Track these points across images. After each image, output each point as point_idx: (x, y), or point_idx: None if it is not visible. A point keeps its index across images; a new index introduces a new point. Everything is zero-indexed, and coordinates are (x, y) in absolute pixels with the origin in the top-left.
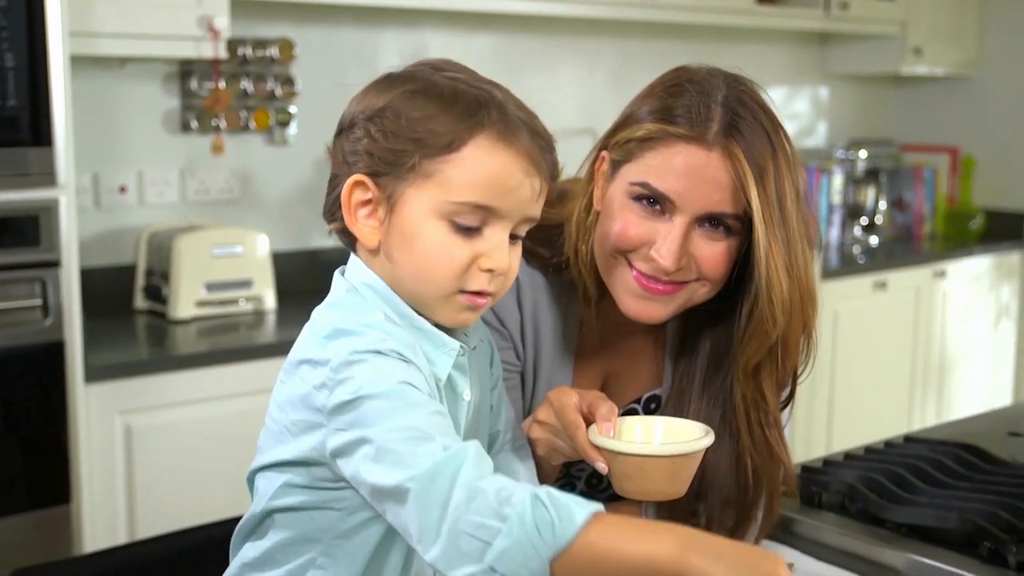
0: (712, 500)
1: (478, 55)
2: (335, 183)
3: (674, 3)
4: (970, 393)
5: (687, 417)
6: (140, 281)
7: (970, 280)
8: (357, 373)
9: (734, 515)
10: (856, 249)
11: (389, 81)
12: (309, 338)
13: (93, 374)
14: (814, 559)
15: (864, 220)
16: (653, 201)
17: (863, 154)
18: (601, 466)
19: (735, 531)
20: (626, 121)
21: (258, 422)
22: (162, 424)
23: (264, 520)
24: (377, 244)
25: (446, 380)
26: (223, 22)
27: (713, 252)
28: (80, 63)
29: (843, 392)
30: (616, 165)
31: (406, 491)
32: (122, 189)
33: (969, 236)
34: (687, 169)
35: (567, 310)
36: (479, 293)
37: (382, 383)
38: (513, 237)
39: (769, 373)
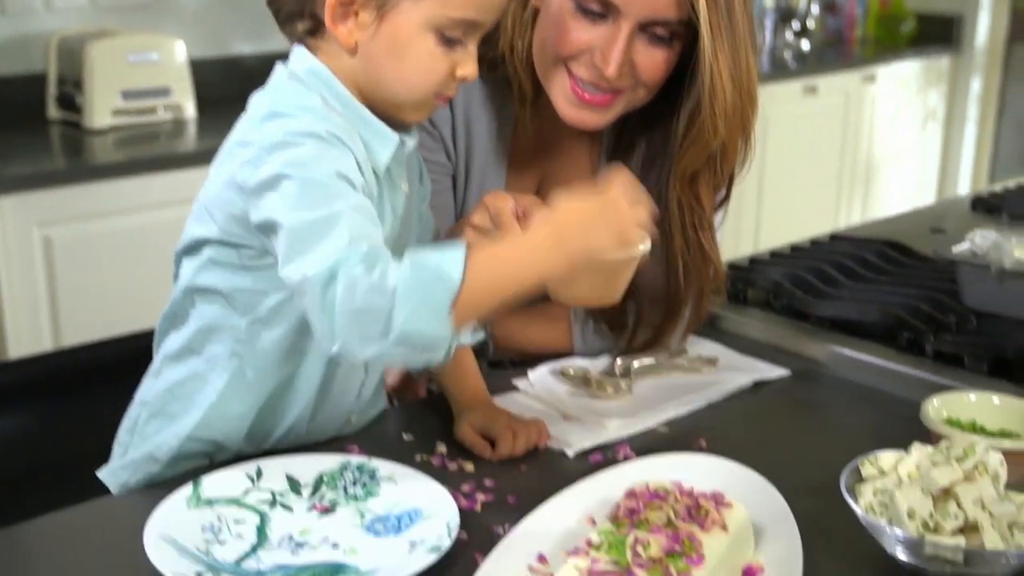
0: (641, 299)
1: None
2: None
3: None
4: (896, 194)
5: None
6: (52, 90)
7: (899, 84)
8: (290, 154)
9: (662, 313)
10: (787, 54)
11: None
12: (245, 122)
13: (7, 185)
14: (739, 353)
15: (796, 24)
16: (596, 11)
17: None
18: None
19: (662, 327)
20: None
21: (180, 233)
22: (82, 236)
23: (184, 303)
24: (354, 44)
25: (385, 171)
26: None
27: (654, 59)
28: None
29: (772, 194)
30: None
31: (303, 291)
32: None
33: (900, 40)
34: None
35: (501, 109)
36: (448, 97)
37: (314, 169)
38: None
39: (706, 179)
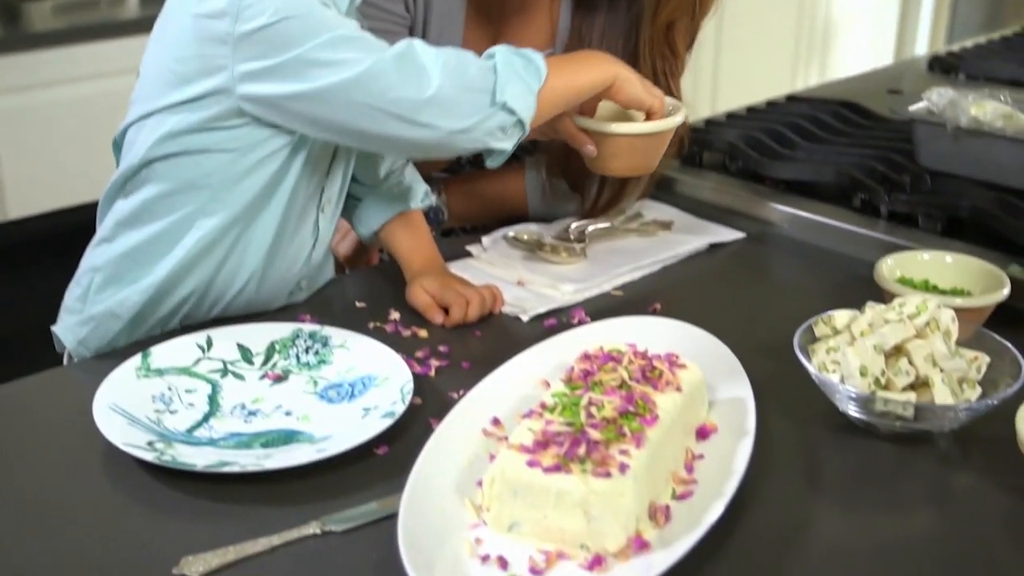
0: None
1: None
2: None
3: None
4: (853, 55)
5: None
6: None
7: None
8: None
9: None
10: None
11: None
12: None
13: None
14: (694, 216)
15: None
16: None
17: None
18: (590, 149)
19: (625, 183)
20: None
21: (124, 102)
22: (21, 107)
23: (140, 173)
24: None
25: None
26: None
27: None
28: None
29: (729, 56)
30: None
31: (376, 73)
32: None
33: None
34: None
35: None
36: None
37: (299, 5)
38: None
39: (683, 27)
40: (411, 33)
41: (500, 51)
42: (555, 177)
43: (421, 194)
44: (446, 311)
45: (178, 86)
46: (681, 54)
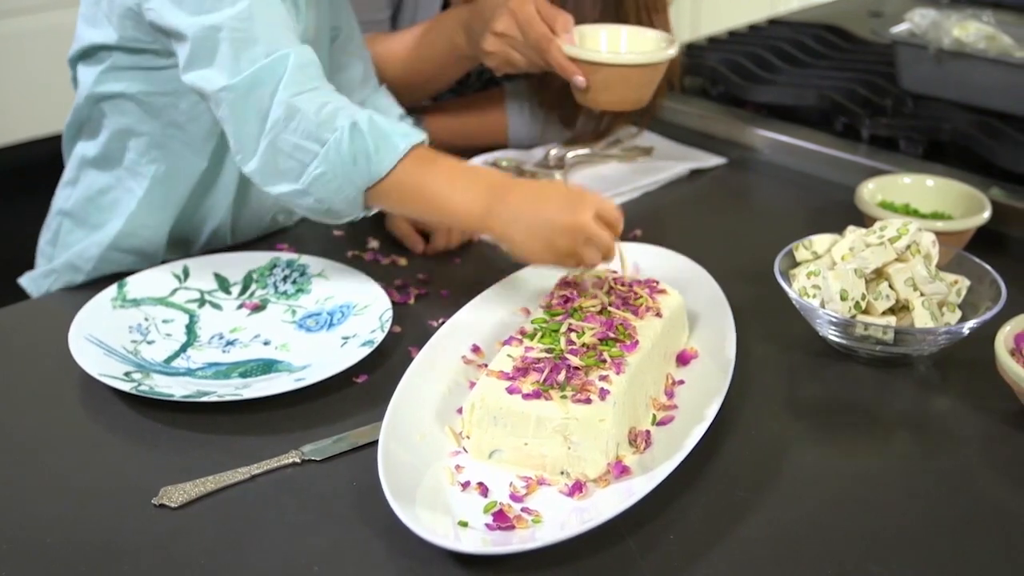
0: None
1: None
2: None
3: None
4: None
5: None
6: None
7: None
8: None
9: None
10: None
11: None
12: None
13: None
14: (674, 142)
15: None
16: None
17: None
18: (579, 79)
19: (616, 115)
20: None
21: (70, 36)
22: None
23: (92, 111)
24: None
25: None
26: None
27: None
28: None
29: None
30: None
31: (220, 100)
32: None
33: None
34: None
35: None
36: None
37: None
38: None
39: None
40: None
41: (361, 119)
42: (543, 107)
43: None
44: (426, 238)
45: (105, 27)
46: None
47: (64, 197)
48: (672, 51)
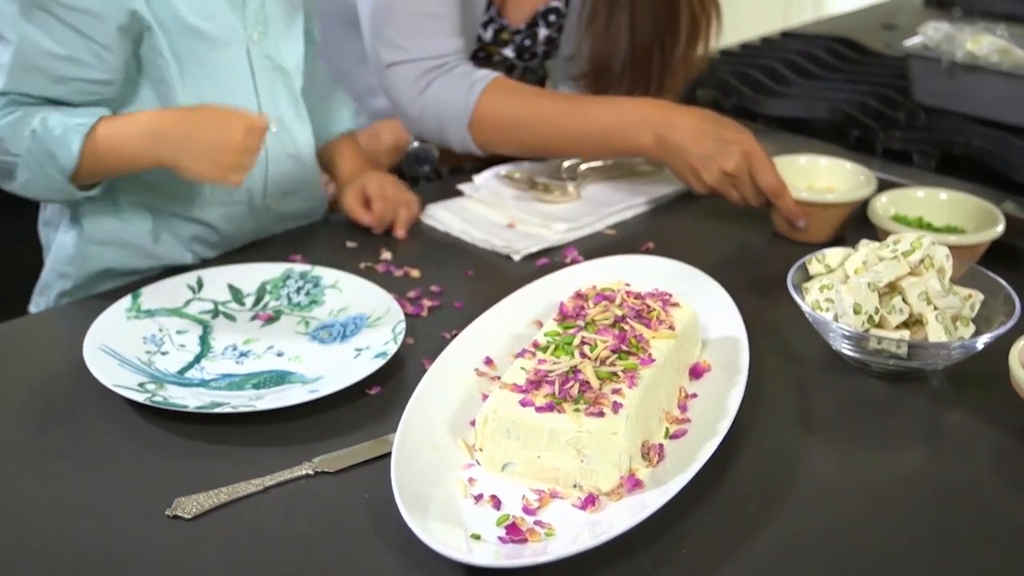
0: (636, 65)
1: None
2: None
3: None
4: None
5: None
6: None
7: None
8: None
9: (658, 80)
10: None
11: None
12: None
13: None
14: None
15: None
16: None
17: None
18: (802, 223)
19: (661, 78)
20: None
21: None
22: None
23: None
24: None
25: None
26: None
27: None
28: None
29: None
30: None
31: None
32: None
33: None
34: None
35: None
36: None
37: (10, 55)
38: None
39: None
40: None
41: (36, 125)
42: (584, 77)
43: (349, 117)
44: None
45: None
46: None
47: (43, 209)
48: (874, 186)
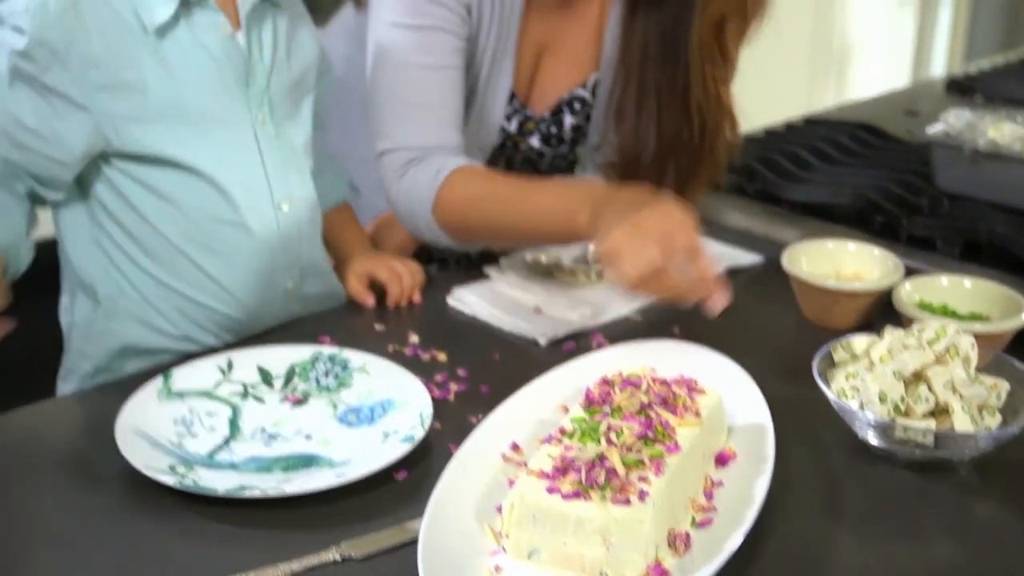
0: (652, 169)
1: None
2: None
3: None
4: (870, 76)
5: (631, 81)
6: None
7: None
8: None
9: (675, 173)
10: None
11: None
12: None
13: None
14: (713, 239)
15: None
16: None
17: None
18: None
19: (679, 189)
20: None
21: None
22: None
23: None
24: None
25: (173, 22)
26: None
27: None
28: None
29: (745, 76)
30: None
31: None
32: None
33: None
34: None
35: None
36: None
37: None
38: None
39: (734, 26)
40: (472, 37)
41: None
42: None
43: (343, 188)
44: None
45: None
46: (732, 57)
47: (64, 292)
48: (901, 273)
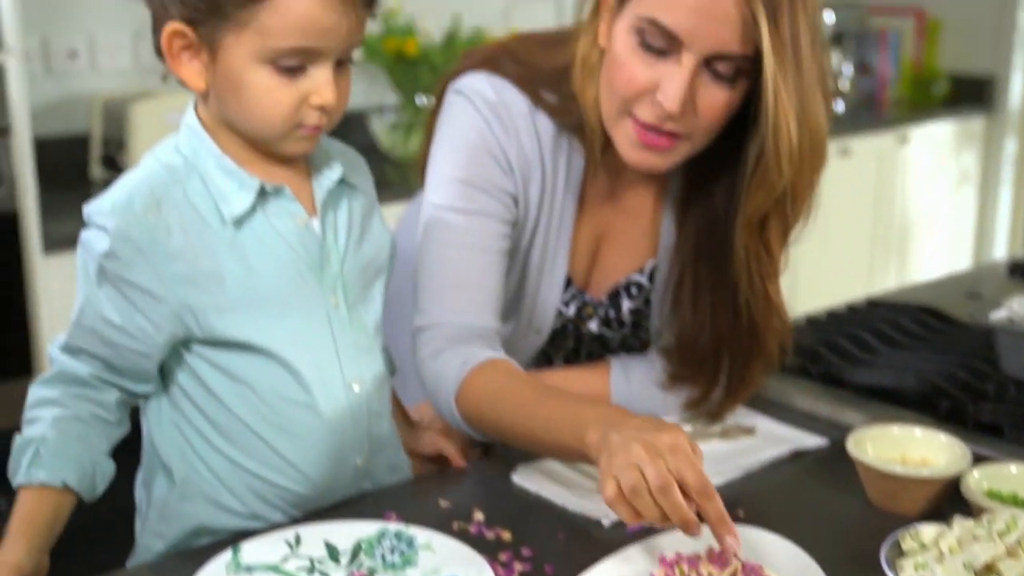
0: (709, 356)
1: None
2: (155, 25)
3: None
4: (931, 257)
5: (686, 273)
6: (96, 151)
7: (933, 145)
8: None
9: (727, 369)
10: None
11: None
12: None
13: (52, 245)
14: (776, 421)
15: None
16: (659, 47)
17: (830, 17)
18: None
19: (728, 387)
20: None
21: None
22: None
23: None
24: (205, 87)
25: (250, 213)
26: None
27: (715, 100)
28: None
29: (806, 257)
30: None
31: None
32: (72, 54)
33: (933, 101)
34: (697, 3)
35: (571, 155)
36: (315, 127)
37: (77, 308)
38: (342, 63)
39: (776, 225)
40: (520, 225)
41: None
42: (671, 383)
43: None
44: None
45: None
46: (775, 254)
47: (141, 469)
48: (968, 460)
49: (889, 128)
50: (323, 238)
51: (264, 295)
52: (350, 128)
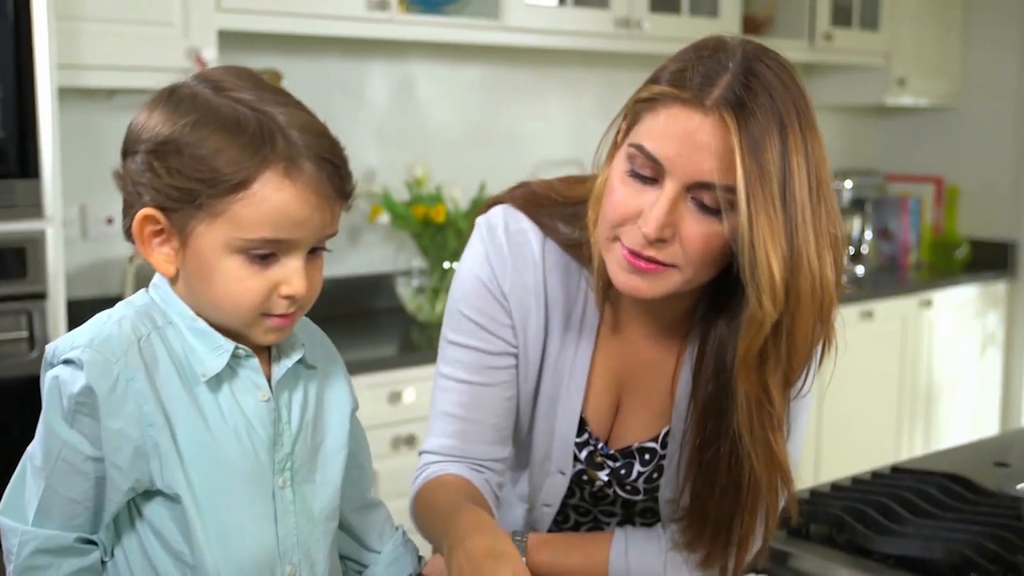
0: (709, 511)
1: (465, 86)
2: (127, 209)
3: (660, 35)
4: (957, 422)
5: (692, 429)
6: None
7: (956, 309)
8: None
9: (726, 528)
10: (843, 279)
11: (172, 104)
12: None
13: None
14: None
15: (850, 250)
16: (647, 174)
17: (849, 184)
18: None
19: (728, 548)
20: (646, 83)
21: None
22: None
23: None
24: (175, 272)
25: (217, 375)
26: (211, 54)
27: (697, 230)
28: (68, 94)
29: (830, 422)
30: (627, 130)
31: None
32: (109, 220)
33: (955, 265)
34: (680, 132)
35: (588, 291)
36: (283, 316)
37: (39, 446)
38: (315, 250)
39: (773, 368)
40: (523, 353)
41: None
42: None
43: (414, 564)
44: None
45: None
46: (777, 402)
47: None
48: None
49: (912, 292)
50: (278, 417)
51: (214, 458)
52: (377, 291)
